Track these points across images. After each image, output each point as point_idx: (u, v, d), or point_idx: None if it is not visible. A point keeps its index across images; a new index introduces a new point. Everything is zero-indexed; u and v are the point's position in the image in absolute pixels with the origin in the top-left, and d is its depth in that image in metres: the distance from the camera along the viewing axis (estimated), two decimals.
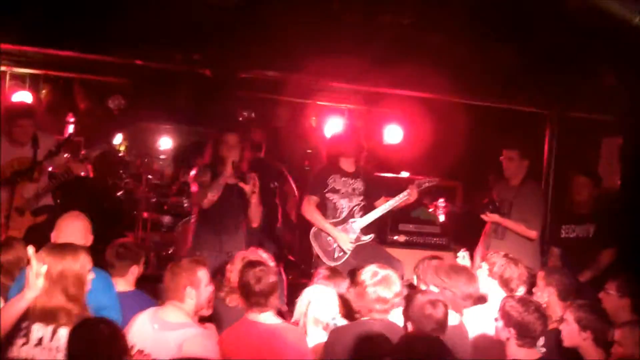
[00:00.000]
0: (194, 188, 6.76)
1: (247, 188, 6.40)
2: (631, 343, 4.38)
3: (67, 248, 4.05)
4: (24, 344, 3.83)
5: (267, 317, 4.51)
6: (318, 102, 9.93)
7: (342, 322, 4.85)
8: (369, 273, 4.60)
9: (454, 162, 9.10)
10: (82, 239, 4.78)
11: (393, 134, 9.99)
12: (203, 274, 4.43)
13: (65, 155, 6.98)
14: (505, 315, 4.35)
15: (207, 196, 6.49)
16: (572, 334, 4.71)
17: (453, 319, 4.59)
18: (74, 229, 4.83)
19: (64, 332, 3.82)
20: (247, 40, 6.69)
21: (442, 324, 4.33)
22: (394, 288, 4.53)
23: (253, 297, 4.48)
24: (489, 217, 7.04)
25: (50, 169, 6.84)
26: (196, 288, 4.36)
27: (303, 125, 10.01)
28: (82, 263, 3.98)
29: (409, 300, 4.46)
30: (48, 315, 3.86)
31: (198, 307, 4.43)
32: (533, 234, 6.96)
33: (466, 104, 8.07)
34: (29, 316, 3.86)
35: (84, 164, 6.89)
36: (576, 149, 7.72)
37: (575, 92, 7.05)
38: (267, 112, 9.94)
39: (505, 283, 5.20)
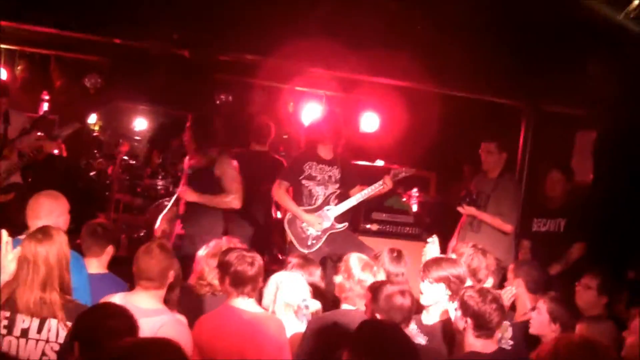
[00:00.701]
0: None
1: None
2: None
3: (47, 234, 3.95)
4: (4, 335, 3.75)
5: (251, 305, 4.47)
6: (296, 88, 9.93)
7: (313, 303, 4.85)
8: (355, 259, 4.60)
9: (429, 152, 9.15)
10: (62, 222, 4.66)
11: (369, 122, 10.00)
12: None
13: (39, 133, 6.94)
14: (463, 304, 4.31)
15: None
16: (542, 323, 4.78)
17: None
18: (52, 209, 4.67)
19: (54, 323, 3.78)
20: (226, 23, 6.65)
21: (411, 313, 4.35)
22: (380, 277, 4.58)
23: (242, 284, 4.40)
24: (466, 209, 7.04)
25: (20, 147, 6.79)
26: (165, 274, 4.27)
27: (280, 110, 9.99)
28: (64, 250, 3.93)
29: (375, 291, 4.42)
30: (32, 307, 3.78)
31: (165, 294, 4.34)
32: (508, 227, 6.97)
33: (442, 94, 8.10)
34: (11, 306, 3.78)
35: (56, 142, 6.85)
36: (550, 142, 7.76)
37: (550, 86, 7.08)
38: (244, 96, 9.92)
39: (472, 273, 5.20)
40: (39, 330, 3.78)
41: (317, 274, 5.24)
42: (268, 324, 4.43)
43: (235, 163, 6.74)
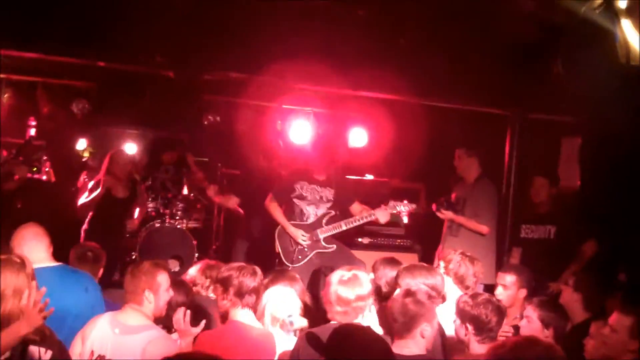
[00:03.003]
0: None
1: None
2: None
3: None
4: None
5: (254, 319, 4.51)
6: (283, 106, 9.96)
7: (300, 319, 4.84)
8: (338, 274, 4.52)
9: (417, 164, 9.19)
10: (46, 254, 4.77)
11: (358, 137, 10.03)
12: (163, 278, 4.38)
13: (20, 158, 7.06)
14: (459, 312, 4.34)
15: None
16: (534, 331, 4.72)
17: None
18: (36, 245, 4.77)
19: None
20: (211, 42, 6.69)
21: None
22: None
23: (246, 294, 4.45)
24: (444, 214, 7.18)
25: None
26: (155, 292, 4.31)
27: (268, 128, 10.01)
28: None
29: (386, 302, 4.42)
30: None
31: (156, 311, 4.37)
32: (484, 228, 7.07)
33: (429, 106, 8.14)
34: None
35: (26, 167, 7.14)
36: (536, 149, 7.82)
37: (535, 94, 7.14)
38: (232, 115, 9.95)
39: (460, 280, 5.23)
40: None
41: (297, 288, 5.11)
42: (272, 341, 4.49)
43: None
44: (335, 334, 3.39)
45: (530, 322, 4.84)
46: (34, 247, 4.68)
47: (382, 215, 6.75)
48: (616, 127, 6.33)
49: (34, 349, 3.67)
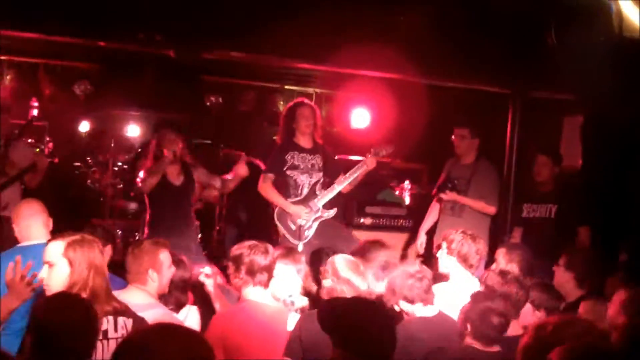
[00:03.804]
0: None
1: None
2: (596, 317, 4.46)
3: None
4: None
5: (268, 297, 4.53)
6: (285, 87, 9.97)
7: (300, 299, 4.86)
8: (342, 261, 4.60)
9: (420, 144, 9.18)
10: (45, 231, 4.83)
11: (360, 117, 10.05)
12: (165, 256, 4.40)
13: (30, 140, 7.08)
14: (488, 289, 4.39)
15: (147, 180, 6.86)
16: (526, 314, 4.68)
17: None
18: (35, 221, 4.84)
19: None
20: (211, 21, 6.65)
21: None
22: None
23: (258, 272, 4.46)
24: (448, 195, 7.13)
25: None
26: (158, 271, 4.33)
27: (270, 110, 10.02)
28: None
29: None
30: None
31: (160, 289, 4.40)
32: (492, 209, 7.10)
33: (430, 86, 8.11)
34: None
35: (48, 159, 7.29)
36: (538, 128, 7.80)
37: (536, 72, 7.10)
38: (234, 96, 9.95)
39: (464, 259, 5.25)
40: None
41: (300, 266, 5.09)
42: (285, 319, 4.54)
43: None
44: (336, 306, 3.37)
45: None
46: (32, 224, 4.74)
47: (370, 162, 6.84)
48: (614, 103, 6.29)
49: (120, 319, 3.78)
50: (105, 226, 5.49)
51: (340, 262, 4.67)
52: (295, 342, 4.31)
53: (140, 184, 7.15)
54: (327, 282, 4.66)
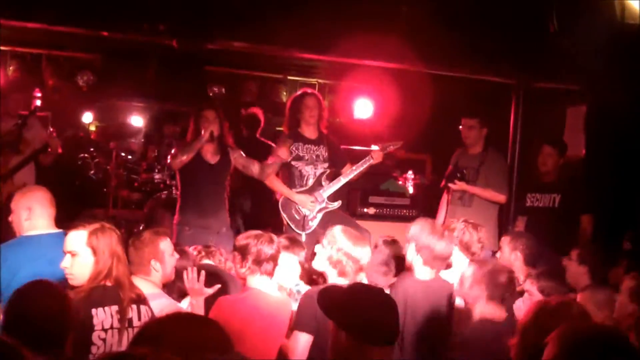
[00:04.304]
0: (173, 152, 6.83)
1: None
2: (592, 306, 4.47)
3: None
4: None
5: (274, 287, 4.54)
6: (288, 77, 9.97)
7: (305, 288, 4.87)
8: (342, 232, 4.55)
9: (423, 135, 9.18)
10: (49, 221, 4.77)
11: (363, 108, 10.05)
12: (166, 245, 4.43)
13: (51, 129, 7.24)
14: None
15: (178, 157, 6.57)
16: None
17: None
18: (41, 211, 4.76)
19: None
20: (214, 11, 6.65)
21: None
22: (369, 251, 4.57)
23: (264, 261, 4.46)
24: (458, 185, 7.10)
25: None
26: (160, 260, 4.36)
27: (273, 100, 10.02)
28: None
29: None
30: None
31: (165, 278, 4.44)
32: (502, 197, 7.09)
33: (434, 76, 8.10)
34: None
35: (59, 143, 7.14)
36: (542, 118, 7.79)
37: (540, 62, 7.10)
38: (237, 87, 9.95)
39: (465, 247, 5.27)
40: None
41: (301, 255, 5.10)
42: (288, 308, 4.54)
43: None
44: (337, 293, 3.36)
45: (532, 295, 4.82)
46: (37, 213, 4.67)
47: (376, 156, 6.85)
48: (617, 91, 6.28)
49: (142, 307, 3.85)
50: (108, 217, 5.48)
51: (339, 231, 4.61)
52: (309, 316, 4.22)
53: (170, 160, 6.91)
54: (325, 251, 4.59)
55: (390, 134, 9.19)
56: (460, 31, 6.87)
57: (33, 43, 8.85)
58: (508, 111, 7.49)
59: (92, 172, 10.15)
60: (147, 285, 4.26)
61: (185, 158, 6.55)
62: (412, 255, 4.80)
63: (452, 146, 7.62)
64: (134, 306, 3.80)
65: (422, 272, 4.76)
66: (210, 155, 6.71)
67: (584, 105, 7.73)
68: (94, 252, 3.79)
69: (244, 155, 6.88)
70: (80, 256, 3.81)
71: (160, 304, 4.17)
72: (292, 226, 6.74)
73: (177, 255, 4.56)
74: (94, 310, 3.67)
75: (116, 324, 3.71)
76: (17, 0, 6.26)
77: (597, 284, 5.15)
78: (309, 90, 7.19)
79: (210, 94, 9.84)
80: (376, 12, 6.78)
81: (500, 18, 6.74)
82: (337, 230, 4.59)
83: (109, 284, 3.76)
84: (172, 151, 6.86)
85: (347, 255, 4.46)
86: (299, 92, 7.20)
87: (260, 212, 8.18)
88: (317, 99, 6.97)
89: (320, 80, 9.94)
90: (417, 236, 4.77)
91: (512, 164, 7.36)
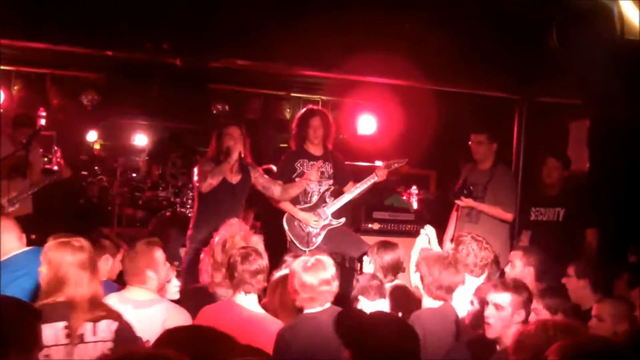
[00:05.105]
0: (196, 176, 6.50)
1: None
2: (610, 317, 4.47)
3: None
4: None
5: (253, 303, 4.53)
6: (292, 94, 10.00)
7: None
8: (301, 261, 4.40)
9: (427, 151, 9.19)
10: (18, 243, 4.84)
11: (367, 124, 10.08)
12: (159, 254, 4.48)
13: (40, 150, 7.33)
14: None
15: (207, 179, 6.28)
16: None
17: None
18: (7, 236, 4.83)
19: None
20: (217, 30, 6.69)
21: None
22: (322, 274, 4.26)
23: (243, 280, 4.48)
24: (464, 201, 7.05)
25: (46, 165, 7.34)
26: (155, 269, 4.41)
27: (277, 118, 10.05)
28: None
29: None
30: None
31: (160, 286, 4.50)
32: (509, 216, 7.02)
33: (437, 92, 8.13)
34: None
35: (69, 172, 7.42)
36: (545, 133, 7.80)
37: (543, 77, 7.12)
38: (241, 105, 9.98)
39: (468, 268, 5.24)
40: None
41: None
42: (266, 325, 4.43)
43: None
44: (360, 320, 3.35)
45: (539, 314, 4.79)
46: (7, 238, 4.74)
47: (381, 174, 6.81)
48: (619, 105, 6.29)
49: (102, 322, 3.79)
50: (109, 237, 5.49)
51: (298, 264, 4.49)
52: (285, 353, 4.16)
53: (197, 184, 6.42)
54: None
55: (393, 150, 9.21)
56: (463, 48, 6.90)
57: (37, 63, 8.91)
58: (511, 126, 7.50)
59: (97, 190, 10.20)
60: (145, 293, 4.36)
61: (214, 182, 6.26)
62: (417, 284, 4.83)
63: (456, 162, 7.63)
64: (90, 323, 3.75)
65: (428, 302, 4.75)
66: (232, 175, 6.43)
67: (587, 120, 7.74)
68: (47, 266, 3.81)
69: (264, 175, 6.74)
70: (42, 270, 3.86)
71: (163, 307, 4.31)
72: (296, 243, 6.75)
73: (168, 265, 4.60)
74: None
75: (63, 341, 3.66)
76: (22, 20, 6.30)
77: (615, 297, 5.12)
78: (315, 108, 7.16)
79: (214, 112, 9.88)
80: (379, 29, 6.81)
81: (502, 34, 6.76)
82: None
83: (60, 299, 3.74)
84: (196, 170, 6.53)
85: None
86: (305, 110, 7.14)
87: (264, 228, 8.17)
88: (322, 118, 6.90)
89: (323, 97, 9.97)
90: (422, 267, 4.78)
91: (516, 178, 7.36)
